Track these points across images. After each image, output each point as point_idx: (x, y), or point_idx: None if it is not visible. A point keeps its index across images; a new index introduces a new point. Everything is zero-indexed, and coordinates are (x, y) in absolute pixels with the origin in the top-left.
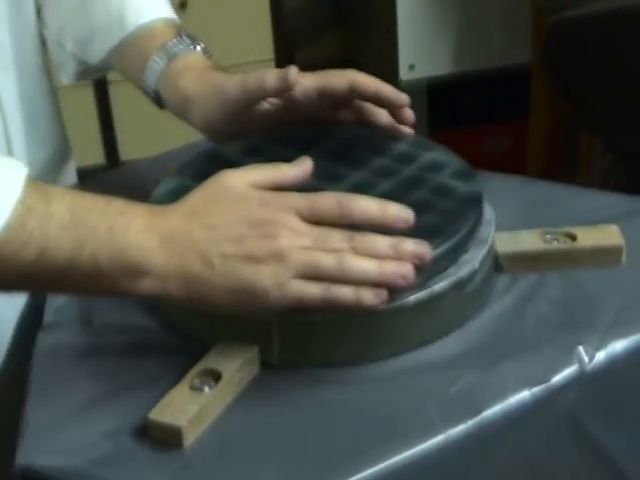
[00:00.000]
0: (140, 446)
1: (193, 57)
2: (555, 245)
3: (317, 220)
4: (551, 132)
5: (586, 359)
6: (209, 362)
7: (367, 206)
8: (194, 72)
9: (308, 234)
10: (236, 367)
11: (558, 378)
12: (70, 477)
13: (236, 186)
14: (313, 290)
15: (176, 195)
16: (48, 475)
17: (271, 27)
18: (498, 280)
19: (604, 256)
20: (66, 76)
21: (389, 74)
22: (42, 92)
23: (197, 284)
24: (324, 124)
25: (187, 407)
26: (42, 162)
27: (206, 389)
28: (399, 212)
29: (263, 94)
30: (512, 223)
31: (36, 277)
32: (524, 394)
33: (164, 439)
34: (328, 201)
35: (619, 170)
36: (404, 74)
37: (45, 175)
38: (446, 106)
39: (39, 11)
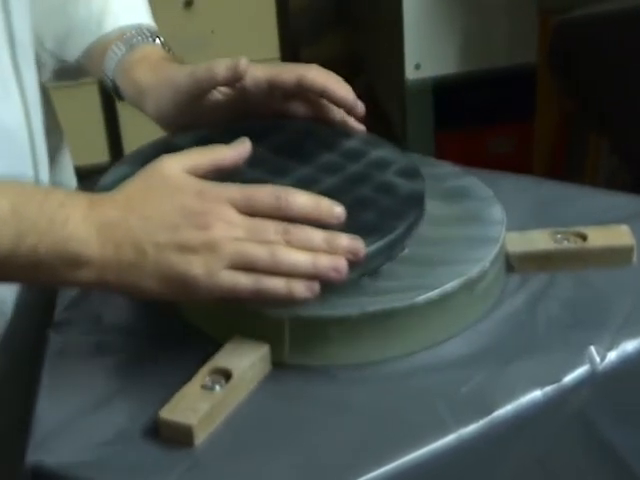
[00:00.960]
0: (150, 444)
1: (150, 48)
2: (566, 245)
3: (253, 212)
4: (557, 132)
5: (597, 359)
6: (220, 360)
7: (302, 201)
8: (149, 63)
9: (242, 225)
10: (247, 366)
11: (569, 378)
12: (80, 475)
13: (172, 174)
14: (243, 281)
15: (121, 183)
16: (58, 473)
17: (276, 26)
18: (509, 280)
19: (615, 256)
20: (44, 74)
21: (395, 73)
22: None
23: (131, 273)
24: (277, 117)
25: (198, 405)
26: (56, 153)
27: (217, 388)
28: (332, 208)
29: (213, 83)
30: (523, 223)
31: None
32: (535, 394)
33: (175, 437)
34: (265, 194)
35: (625, 171)
36: (410, 73)
37: (56, 164)
38: (451, 106)
39: None
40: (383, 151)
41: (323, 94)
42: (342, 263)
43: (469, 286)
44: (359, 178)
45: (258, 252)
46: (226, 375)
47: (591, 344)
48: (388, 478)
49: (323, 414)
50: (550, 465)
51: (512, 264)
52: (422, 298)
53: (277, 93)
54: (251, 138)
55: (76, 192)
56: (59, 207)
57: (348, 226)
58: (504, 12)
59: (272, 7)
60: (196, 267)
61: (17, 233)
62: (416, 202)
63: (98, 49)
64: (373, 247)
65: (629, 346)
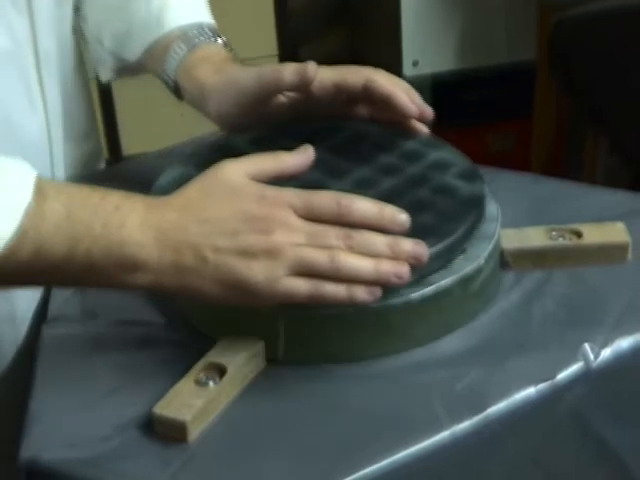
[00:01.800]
0: (145, 440)
1: (212, 48)
2: (561, 242)
3: (314, 218)
4: (555, 129)
5: (592, 356)
6: (214, 356)
7: (365, 207)
8: (212, 63)
9: (303, 231)
10: (241, 362)
11: (564, 375)
12: (74, 471)
13: (233, 178)
14: (303, 286)
15: (178, 184)
16: (53, 468)
17: (275, 23)
18: (504, 277)
19: (610, 253)
20: (104, 73)
21: (393, 70)
22: (80, 93)
23: (190, 277)
24: (336, 118)
25: (192, 401)
26: (79, 163)
27: (211, 384)
28: (395, 215)
29: (279, 88)
30: (519, 220)
31: (31, 274)
32: (529, 391)
33: (169, 433)
34: (326, 199)
35: (623, 169)
36: (408, 70)
37: (81, 174)
38: (450, 103)
39: (77, 8)
40: (442, 153)
41: (388, 100)
42: (405, 269)
43: (464, 283)
44: (418, 180)
45: (319, 258)
46: (220, 371)
47: (585, 341)
48: (382, 475)
49: (317, 410)
50: (544, 462)
51: (507, 261)
52: (417, 295)
53: (342, 96)
54: (309, 139)
55: (132, 195)
56: (114, 210)
57: (407, 229)
58: (503, 9)
59: (271, 4)
60: (257, 273)
61: (72, 237)
62: (475, 204)
63: (159, 48)
64: (432, 250)
65: (624, 343)
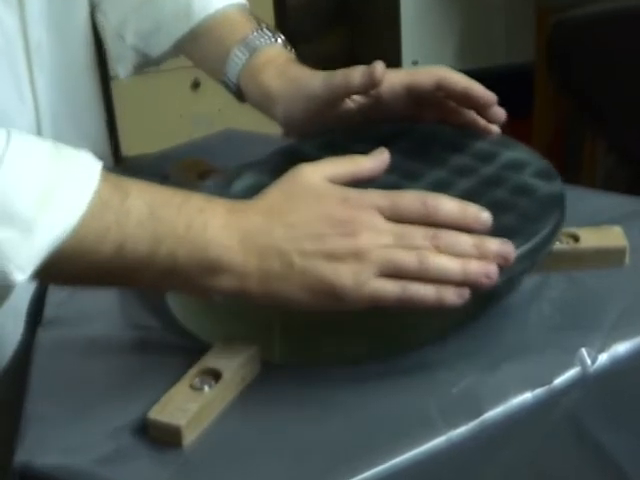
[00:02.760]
0: (140, 445)
1: (274, 50)
2: (558, 246)
3: (399, 219)
4: (554, 131)
5: (588, 361)
6: (209, 361)
7: (449, 207)
8: (276, 67)
9: (389, 232)
10: (237, 366)
11: (560, 380)
12: (69, 476)
13: (314, 182)
14: (392, 289)
15: (253, 191)
16: (47, 474)
17: (274, 24)
18: None
19: (607, 257)
20: (124, 69)
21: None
22: (85, 90)
23: (276, 282)
24: (405, 122)
25: (187, 406)
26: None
27: (206, 388)
28: (479, 214)
29: (348, 91)
30: None
31: (112, 272)
32: (526, 396)
33: (163, 438)
34: (411, 200)
35: (622, 170)
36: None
37: None
38: None
39: (96, 5)
40: (516, 152)
41: (465, 94)
42: (493, 269)
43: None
44: (494, 180)
45: (407, 259)
46: (215, 375)
47: (582, 346)
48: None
49: (312, 414)
50: (541, 467)
51: None
52: None
53: (411, 98)
54: (379, 143)
55: (214, 198)
56: (198, 212)
57: (490, 230)
58: (502, 10)
59: (270, 4)
60: (345, 276)
61: (155, 237)
62: (557, 204)
63: (198, 40)
64: (519, 251)
65: (620, 348)
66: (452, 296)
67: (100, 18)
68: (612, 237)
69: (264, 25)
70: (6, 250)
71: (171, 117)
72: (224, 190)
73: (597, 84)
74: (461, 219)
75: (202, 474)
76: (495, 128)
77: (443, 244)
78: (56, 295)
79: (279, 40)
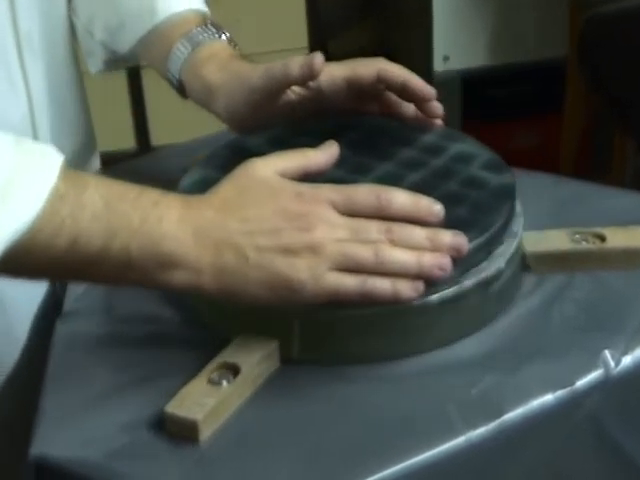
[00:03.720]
0: (156, 439)
1: (217, 46)
2: (584, 245)
3: (353, 212)
4: (584, 129)
5: (612, 363)
6: (228, 356)
7: (402, 199)
8: (218, 61)
9: (344, 226)
10: (255, 361)
11: (583, 382)
12: (85, 469)
13: (267, 176)
14: (349, 282)
15: (203, 186)
16: (62, 466)
17: (305, 15)
18: (525, 280)
19: (634, 258)
20: (94, 65)
21: (423, 65)
22: (70, 81)
23: (231, 277)
24: (349, 115)
25: (204, 401)
26: (68, 153)
27: (224, 383)
28: (431, 206)
29: (288, 82)
30: (541, 222)
31: (66, 265)
32: (547, 397)
33: (180, 433)
34: (365, 194)
35: None
36: (438, 65)
37: (71, 166)
38: (479, 99)
39: (70, 1)
40: (463, 145)
41: (404, 86)
42: (446, 261)
43: (484, 285)
44: (444, 173)
45: (362, 252)
46: (234, 370)
47: (606, 348)
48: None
49: (331, 412)
50: (561, 469)
51: (528, 264)
52: (435, 297)
53: (352, 91)
54: (326, 136)
55: (169, 192)
56: (153, 206)
57: (443, 222)
58: (534, 6)
59: None
60: (301, 270)
61: (109, 230)
62: (508, 196)
63: (154, 38)
64: (474, 243)
65: None
66: (407, 290)
67: (71, 14)
68: (639, 237)
69: (209, 21)
70: None
71: (201, 108)
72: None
73: (629, 83)
74: (414, 212)
75: (218, 469)
76: (438, 121)
77: (397, 237)
78: (75, 288)
79: (223, 37)
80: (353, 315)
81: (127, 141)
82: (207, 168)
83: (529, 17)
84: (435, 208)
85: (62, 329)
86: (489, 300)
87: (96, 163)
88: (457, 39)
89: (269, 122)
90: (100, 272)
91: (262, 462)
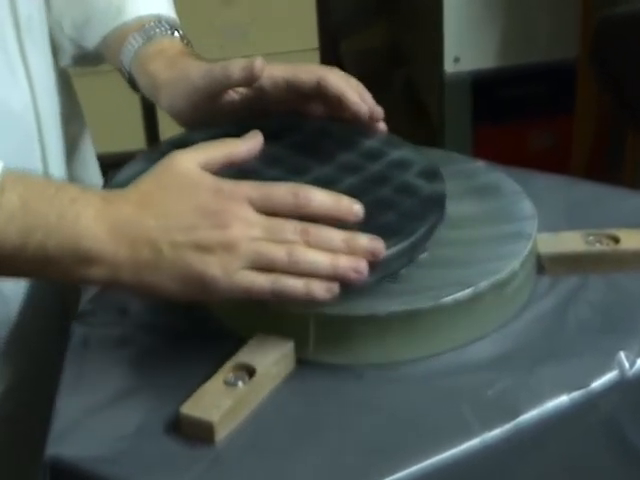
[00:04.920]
0: (171, 440)
1: (168, 42)
2: (597, 247)
3: (270, 211)
4: (597, 130)
5: (627, 365)
6: (244, 357)
7: (321, 198)
8: (165, 57)
9: (260, 225)
10: (271, 362)
11: (598, 384)
12: (99, 469)
13: (188, 171)
14: (261, 281)
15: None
16: (77, 466)
17: (316, 16)
18: (539, 282)
19: None
20: (63, 59)
21: (434, 66)
22: (62, 72)
23: (147, 272)
24: (294, 115)
25: (220, 402)
26: (69, 138)
27: (240, 384)
28: (351, 205)
29: (228, 84)
30: (554, 224)
31: None
32: (562, 399)
33: (196, 434)
34: (282, 192)
35: None
36: (449, 66)
37: (72, 151)
38: (490, 100)
39: None
40: (403, 151)
41: (339, 99)
42: (362, 264)
43: (499, 286)
44: (379, 178)
45: (276, 252)
46: (249, 371)
47: (621, 349)
48: None
49: (346, 413)
50: (576, 471)
51: (543, 265)
52: (450, 298)
53: (295, 93)
54: (269, 136)
55: (89, 188)
56: (70, 203)
57: (368, 227)
58: (546, 6)
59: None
60: (214, 267)
61: (25, 228)
62: (437, 204)
63: (116, 38)
64: (394, 249)
65: None
66: (321, 290)
67: (45, 6)
68: None
69: (164, 18)
70: None
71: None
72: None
73: (638, 82)
74: (334, 210)
75: (234, 471)
76: (381, 126)
77: (313, 239)
78: (90, 290)
79: (176, 33)
80: (368, 316)
81: (137, 142)
82: (145, 162)
83: (540, 18)
84: (354, 207)
85: (77, 330)
86: (503, 302)
87: (91, 148)
88: (468, 40)
89: (215, 119)
90: (19, 268)
91: (277, 463)
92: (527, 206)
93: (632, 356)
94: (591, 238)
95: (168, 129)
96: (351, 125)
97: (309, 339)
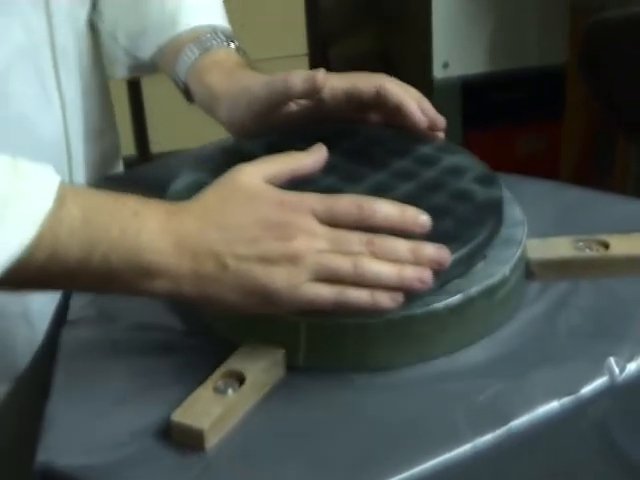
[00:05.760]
0: (163, 447)
1: (224, 53)
2: (587, 253)
3: (335, 223)
4: (586, 134)
5: (617, 370)
6: (233, 364)
7: (386, 209)
8: (223, 69)
9: (324, 237)
10: (261, 369)
11: (588, 389)
12: (90, 477)
13: (251, 184)
14: (326, 293)
15: (193, 191)
16: (68, 474)
17: (305, 22)
18: (529, 287)
19: (637, 265)
20: (119, 71)
21: (423, 71)
22: (98, 89)
23: (210, 285)
24: (347, 123)
25: (210, 409)
26: (96, 159)
27: (230, 391)
28: (417, 216)
29: (289, 96)
30: (544, 229)
31: (48, 278)
32: (553, 404)
33: (186, 441)
34: (347, 204)
35: None
36: (438, 72)
37: (99, 172)
38: (480, 105)
39: (94, 4)
40: (457, 157)
41: (399, 109)
42: (427, 274)
43: (489, 292)
44: (434, 185)
45: (341, 264)
46: (239, 379)
47: (611, 355)
48: None
49: (337, 420)
50: (566, 475)
51: (533, 271)
52: (440, 304)
53: (353, 102)
54: (322, 143)
55: (150, 201)
56: (132, 216)
57: (426, 234)
58: (535, 11)
59: (301, 4)
60: (278, 280)
61: (88, 242)
62: (494, 209)
63: (171, 48)
64: (455, 256)
65: None
66: (386, 300)
67: (96, 19)
68: None
69: (219, 29)
70: None
71: (200, 114)
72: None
73: (630, 88)
74: (400, 222)
75: (224, 478)
76: (438, 134)
77: (378, 249)
78: (81, 295)
79: (232, 45)
80: (359, 323)
81: (126, 148)
82: (199, 171)
83: (529, 23)
84: (421, 218)
85: (67, 337)
86: (494, 307)
87: (120, 167)
88: (457, 45)
89: (270, 129)
90: (81, 282)
91: (268, 470)
92: (516, 212)
93: (622, 361)
94: (581, 244)
95: (158, 136)
96: (404, 131)
97: (300, 346)
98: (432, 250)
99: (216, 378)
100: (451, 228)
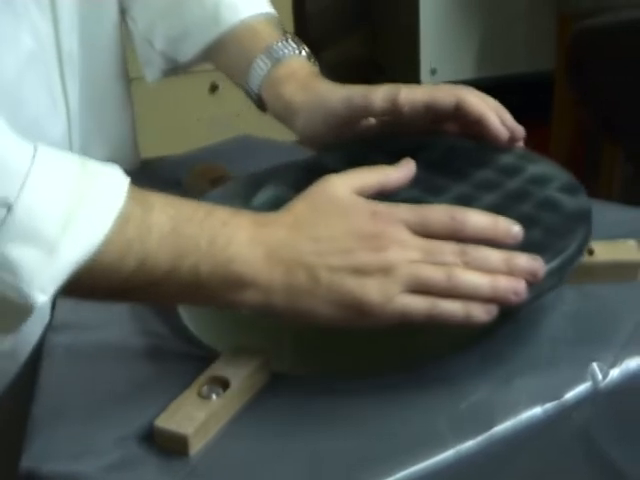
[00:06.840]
0: (147, 453)
1: (297, 62)
2: None
3: (428, 234)
4: (573, 140)
5: (600, 376)
6: (218, 369)
7: (479, 220)
8: (298, 80)
9: (417, 247)
10: (245, 375)
11: (571, 395)
12: None
13: (342, 195)
14: (419, 304)
15: (274, 205)
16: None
17: (293, 28)
18: None
19: (621, 271)
20: (152, 74)
21: (410, 78)
22: (114, 97)
23: (302, 297)
24: (425, 134)
25: (194, 415)
26: (112, 150)
27: (214, 397)
28: (509, 227)
29: (369, 113)
30: None
31: (133, 288)
32: (536, 410)
33: (170, 446)
34: (439, 214)
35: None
36: (425, 78)
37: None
38: None
39: (126, 10)
40: (540, 166)
41: (479, 121)
42: (522, 286)
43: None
44: (519, 195)
45: (435, 275)
46: (224, 384)
47: (594, 360)
48: None
49: (321, 426)
50: None
51: None
52: None
53: (433, 115)
54: (402, 156)
55: (239, 211)
56: (222, 226)
57: (516, 245)
58: (523, 18)
59: (289, 9)
60: (372, 291)
61: (177, 252)
62: (583, 219)
63: (224, 45)
64: (547, 267)
65: (632, 363)
66: (480, 312)
67: (129, 23)
68: (626, 251)
69: (289, 36)
70: (29, 271)
71: (188, 120)
72: (245, 202)
73: (616, 94)
74: (492, 233)
75: None
76: (520, 145)
77: (472, 260)
78: (66, 300)
79: (303, 52)
80: (343, 330)
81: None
82: (280, 186)
83: (516, 30)
84: (514, 229)
85: (53, 341)
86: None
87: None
88: (445, 52)
89: (345, 140)
90: (167, 293)
91: (253, 477)
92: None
93: (605, 367)
94: None
95: (147, 145)
96: (483, 141)
97: (284, 352)
98: (526, 260)
99: (200, 383)
100: (540, 238)
